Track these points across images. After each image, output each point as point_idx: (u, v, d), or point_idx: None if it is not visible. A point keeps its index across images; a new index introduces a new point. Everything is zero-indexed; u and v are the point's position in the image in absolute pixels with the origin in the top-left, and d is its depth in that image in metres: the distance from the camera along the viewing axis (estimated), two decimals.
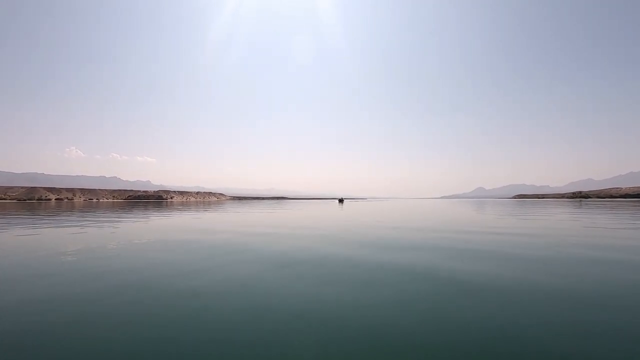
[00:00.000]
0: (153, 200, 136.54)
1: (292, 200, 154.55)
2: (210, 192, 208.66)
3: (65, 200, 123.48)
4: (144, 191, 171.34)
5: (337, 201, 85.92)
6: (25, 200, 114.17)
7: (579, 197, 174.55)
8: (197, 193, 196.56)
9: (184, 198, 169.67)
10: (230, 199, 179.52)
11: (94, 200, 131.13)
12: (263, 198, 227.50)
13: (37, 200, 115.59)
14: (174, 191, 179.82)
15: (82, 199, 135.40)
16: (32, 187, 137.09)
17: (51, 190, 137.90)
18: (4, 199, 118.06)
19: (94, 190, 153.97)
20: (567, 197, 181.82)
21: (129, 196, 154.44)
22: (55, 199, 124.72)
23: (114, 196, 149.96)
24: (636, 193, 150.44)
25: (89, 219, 18.48)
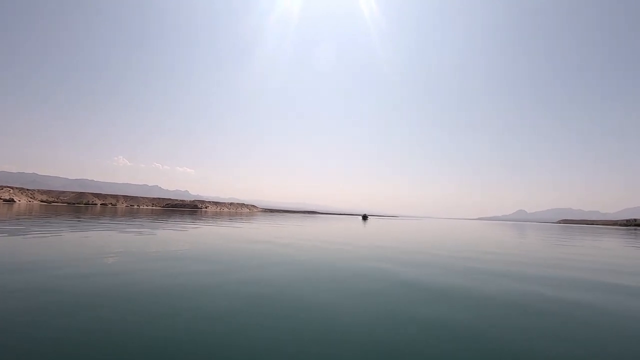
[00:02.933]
0: (188, 209, 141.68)
1: (321, 215, 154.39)
2: (243, 204, 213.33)
3: (109, 205, 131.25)
4: (180, 200, 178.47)
5: (360, 217, 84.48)
6: (74, 204, 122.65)
7: (633, 224, 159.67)
8: (231, 204, 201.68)
9: (218, 208, 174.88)
10: (262, 211, 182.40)
11: (135, 206, 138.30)
12: (294, 211, 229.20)
13: (85, 204, 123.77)
14: (209, 201, 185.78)
15: (124, 205, 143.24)
16: (81, 193, 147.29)
17: (97, 196, 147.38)
18: (57, 202, 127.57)
19: (136, 197, 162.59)
20: (620, 225, 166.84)
21: (167, 204, 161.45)
22: (101, 204, 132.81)
23: (153, 204, 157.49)
24: None
25: (124, 223, 19.24)
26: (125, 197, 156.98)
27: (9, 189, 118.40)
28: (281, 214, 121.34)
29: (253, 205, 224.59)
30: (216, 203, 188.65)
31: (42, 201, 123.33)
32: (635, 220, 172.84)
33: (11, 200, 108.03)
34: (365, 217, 75.38)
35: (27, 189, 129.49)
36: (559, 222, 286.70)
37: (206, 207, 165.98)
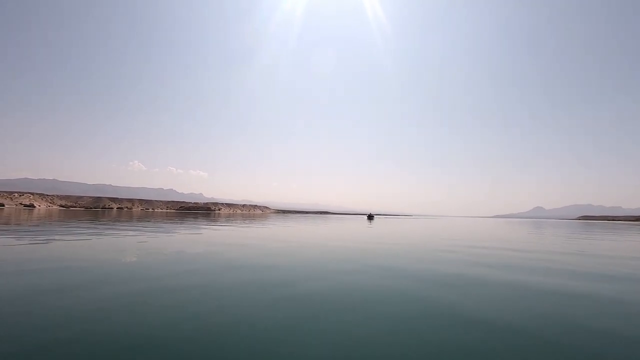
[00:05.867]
0: (202, 211, 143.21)
1: (332, 215, 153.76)
2: (256, 205, 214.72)
3: (125, 209, 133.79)
4: (194, 203, 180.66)
5: (366, 217, 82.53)
6: (91, 208, 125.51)
7: None
8: (244, 206, 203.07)
9: (231, 210, 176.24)
10: (275, 212, 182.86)
11: (150, 210, 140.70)
12: (306, 212, 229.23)
13: (102, 208, 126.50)
14: (222, 203, 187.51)
15: (140, 208, 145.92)
16: (98, 197, 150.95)
17: (114, 200, 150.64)
18: (75, 207, 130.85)
19: (151, 201, 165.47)
20: None
21: (181, 207, 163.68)
22: (117, 208, 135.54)
23: (167, 207, 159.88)
24: None
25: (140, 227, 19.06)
26: (140, 201, 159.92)
27: (29, 194, 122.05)
28: (293, 214, 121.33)
29: (266, 207, 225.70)
30: (229, 205, 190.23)
31: (61, 206, 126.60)
32: None
33: (31, 206, 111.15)
34: (370, 217, 72.84)
35: (47, 195, 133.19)
36: (579, 218, 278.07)
37: (219, 210, 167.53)
